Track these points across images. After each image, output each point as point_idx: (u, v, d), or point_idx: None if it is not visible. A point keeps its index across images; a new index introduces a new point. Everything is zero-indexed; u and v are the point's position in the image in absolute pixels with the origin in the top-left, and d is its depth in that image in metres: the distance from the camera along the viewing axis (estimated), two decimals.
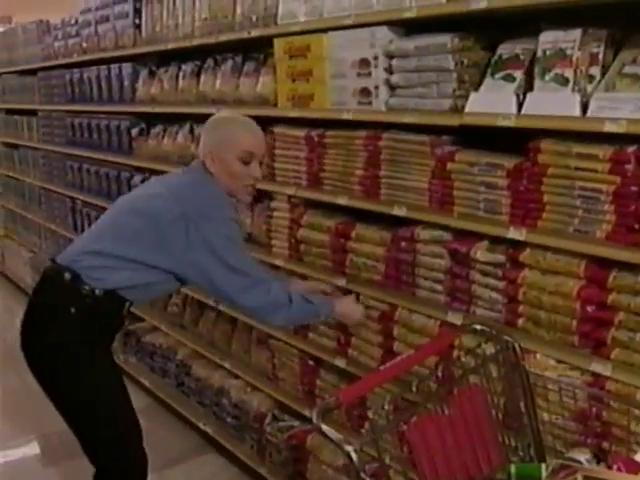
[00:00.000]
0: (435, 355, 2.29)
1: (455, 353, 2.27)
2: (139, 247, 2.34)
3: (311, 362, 3.08)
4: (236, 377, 3.66)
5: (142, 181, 4.34)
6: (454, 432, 1.76)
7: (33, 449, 4.03)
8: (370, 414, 2.69)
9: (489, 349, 1.95)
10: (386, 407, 1.62)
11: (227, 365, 3.68)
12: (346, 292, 2.74)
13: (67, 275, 2.34)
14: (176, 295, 4.13)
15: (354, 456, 1.46)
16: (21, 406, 4.52)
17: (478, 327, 2.02)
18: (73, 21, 5.21)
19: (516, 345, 1.93)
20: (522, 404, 1.96)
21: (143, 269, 2.36)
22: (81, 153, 5.19)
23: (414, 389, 1.71)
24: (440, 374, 1.89)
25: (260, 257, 3.24)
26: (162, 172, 4.07)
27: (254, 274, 2.40)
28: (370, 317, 2.66)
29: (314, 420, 1.51)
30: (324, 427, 1.50)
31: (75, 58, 5.20)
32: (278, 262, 3.10)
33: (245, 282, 2.36)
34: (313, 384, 3.08)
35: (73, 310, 2.33)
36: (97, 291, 2.33)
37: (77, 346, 2.34)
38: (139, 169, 4.38)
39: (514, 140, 2.11)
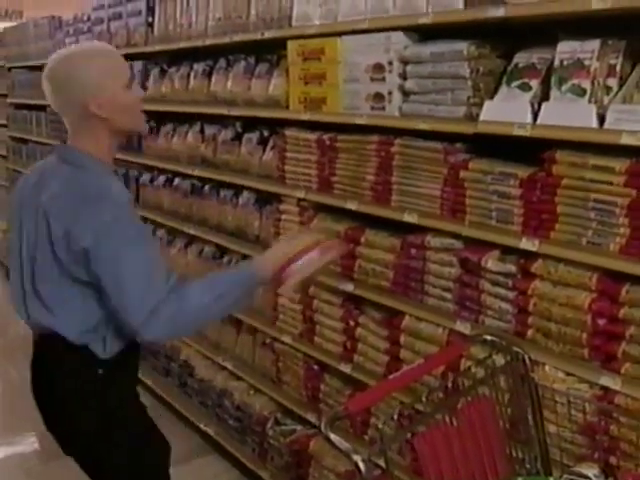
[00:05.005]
0: (444, 365, 2.27)
1: (463, 363, 2.26)
2: None
3: (316, 366, 3.06)
4: (239, 379, 3.65)
5: (150, 180, 4.34)
6: (462, 443, 1.75)
7: (33, 445, 4.01)
8: (375, 421, 2.67)
9: (499, 360, 1.93)
10: (395, 417, 1.60)
11: (230, 367, 3.67)
12: (353, 298, 2.73)
13: None
14: None
15: (362, 466, 1.45)
16: (21, 402, 4.49)
17: (488, 338, 2.00)
18: (85, 17, 5.20)
19: (526, 357, 1.92)
20: (530, 416, 1.95)
21: None
22: None
23: (424, 399, 1.69)
24: (450, 384, 1.87)
25: None
26: (171, 171, 4.09)
27: None
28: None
29: (322, 429, 1.50)
30: (332, 436, 1.49)
31: None
32: None
33: None
34: (317, 389, 3.06)
35: None
36: None
37: None
38: (148, 167, 4.37)
39: (528, 150, 2.09)
